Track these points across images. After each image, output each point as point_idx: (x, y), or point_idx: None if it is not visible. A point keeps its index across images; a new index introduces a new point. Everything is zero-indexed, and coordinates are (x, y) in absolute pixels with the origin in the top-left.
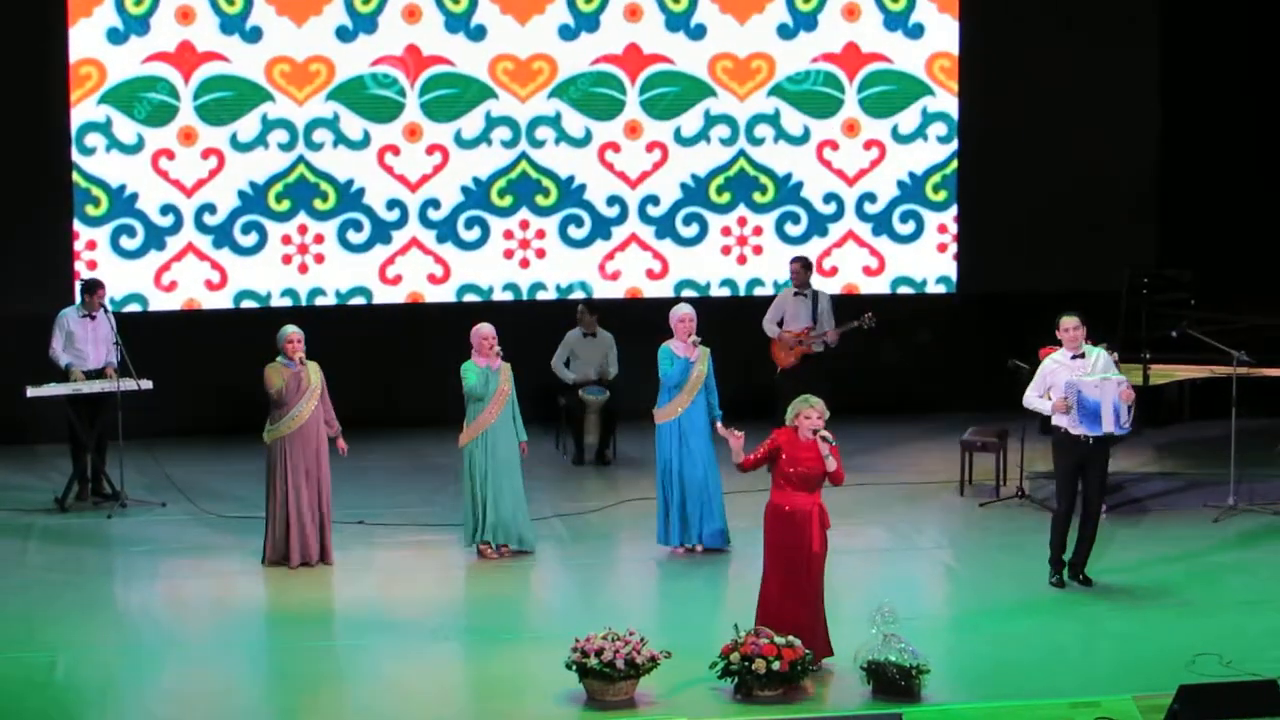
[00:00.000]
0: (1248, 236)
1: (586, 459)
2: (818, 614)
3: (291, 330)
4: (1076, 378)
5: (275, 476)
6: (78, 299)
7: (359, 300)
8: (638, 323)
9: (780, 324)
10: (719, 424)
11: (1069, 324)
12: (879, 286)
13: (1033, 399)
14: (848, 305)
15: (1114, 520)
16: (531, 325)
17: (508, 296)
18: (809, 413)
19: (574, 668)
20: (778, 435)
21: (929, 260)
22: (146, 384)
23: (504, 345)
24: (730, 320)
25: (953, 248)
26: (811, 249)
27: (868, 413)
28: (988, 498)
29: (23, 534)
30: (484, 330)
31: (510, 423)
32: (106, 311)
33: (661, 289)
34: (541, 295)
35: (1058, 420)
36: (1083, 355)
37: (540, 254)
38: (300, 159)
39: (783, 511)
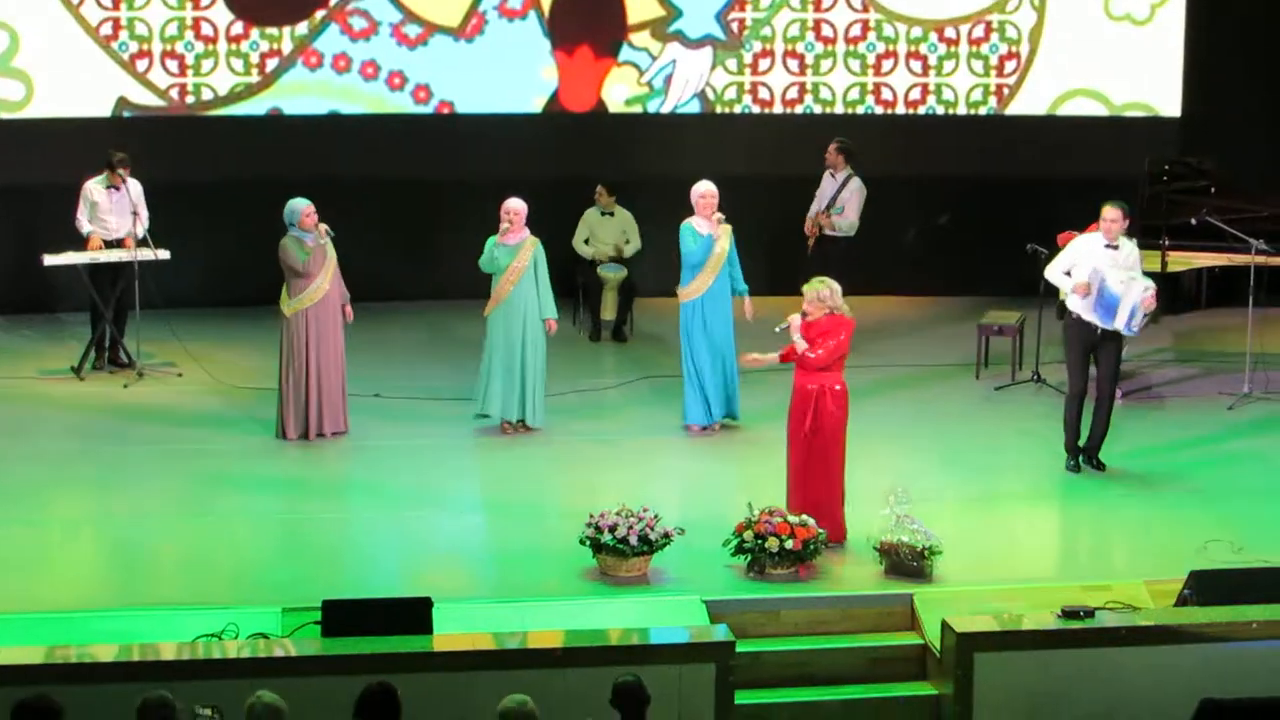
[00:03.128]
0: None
1: (604, 336)
2: (833, 495)
3: (303, 203)
4: (1104, 267)
5: (297, 349)
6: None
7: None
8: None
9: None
10: (747, 300)
11: (1111, 215)
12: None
13: (1055, 273)
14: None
15: (1129, 407)
16: (553, 201)
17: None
18: (809, 295)
19: (588, 543)
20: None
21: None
22: (164, 254)
23: (529, 222)
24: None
25: None
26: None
27: (884, 295)
28: (1003, 382)
29: (38, 402)
30: (509, 204)
31: (532, 296)
32: (125, 182)
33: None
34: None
35: (1072, 303)
36: (1116, 247)
37: None
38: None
39: (795, 391)
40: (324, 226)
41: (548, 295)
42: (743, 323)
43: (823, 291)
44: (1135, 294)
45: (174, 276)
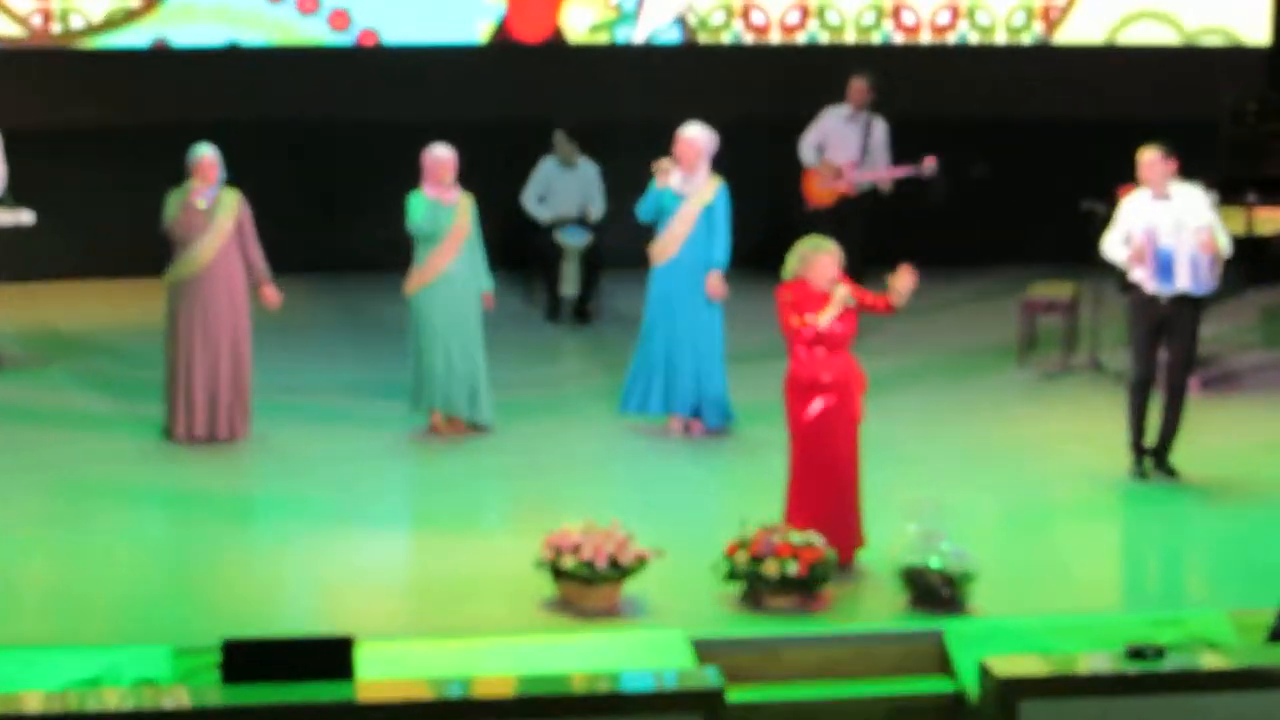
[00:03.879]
0: None
1: (563, 315)
2: (847, 503)
3: (204, 150)
4: (1158, 225)
5: (180, 329)
6: None
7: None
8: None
9: (821, 151)
10: (716, 275)
11: (1150, 158)
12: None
13: (1112, 244)
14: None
15: (1206, 399)
16: (500, 150)
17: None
18: (823, 258)
19: (546, 567)
20: (788, 290)
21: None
22: (26, 216)
23: (466, 173)
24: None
25: None
26: None
27: (912, 266)
28: (1054, 369)
29: None
30: (438, 154)
31: (470, 268)
32: None
33: None
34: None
35: (1135, 275)
36: (1168, 198)
37: None
38: None
39: (802, 382)
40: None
41: (484, 263)
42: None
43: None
44: (1187, 243)
45: (38, 242)
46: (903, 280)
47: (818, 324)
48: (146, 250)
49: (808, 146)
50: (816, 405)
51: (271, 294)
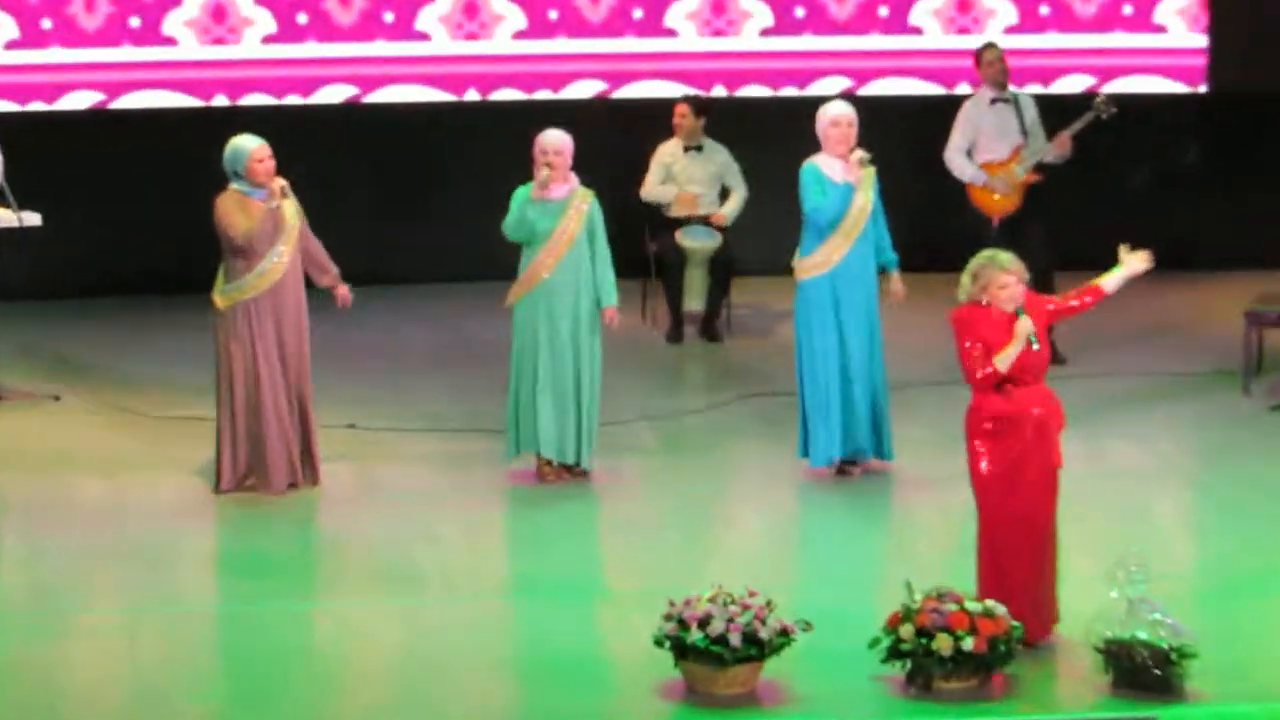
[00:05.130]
0: None
1: (687, 334)
2: (1045, 569)
3: (252, 143)
4: None
5: (237, 358)
6: None
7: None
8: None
9: (970, 153)
10: (895, 277)
11: None
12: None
13: None
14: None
15: None
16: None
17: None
18: (1003, 278)
19: (668, 644)
20: (965, 319)
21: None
22: (32, 219)
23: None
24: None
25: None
26: None
27: (1089, 270)
28: None
29: None
30: (539, 139)
31: (585, 278)
32: None
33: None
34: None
35: None
36: None
37: None
38: None
39: (991, 420)
40: (280, 181)
41: (607, 273)
42: (889, 310)
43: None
44: None
45: (46, 251)
46: (1137, 259)
47: (999, 368)
48: (171, 261)
49: (956, 153)
50: (1003, 452)
51: (346, 293)
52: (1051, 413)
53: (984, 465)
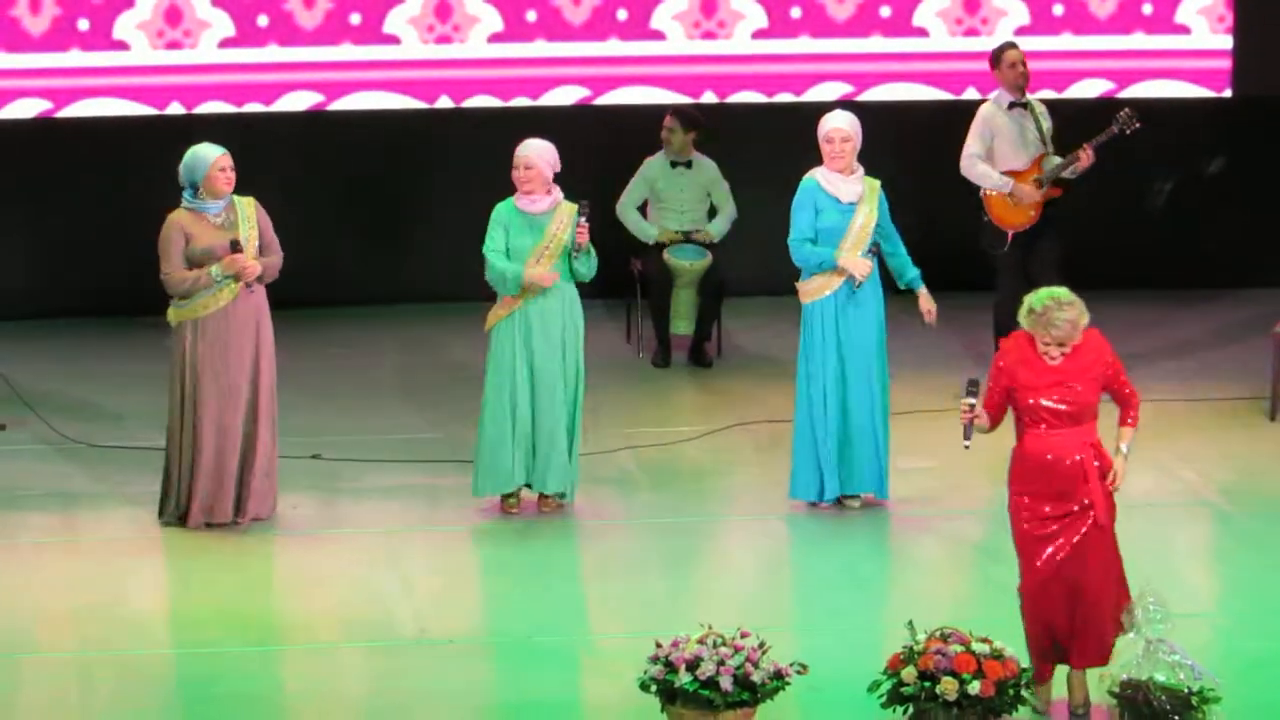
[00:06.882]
0: None
1: (676, 358)
2: (1101, 613)
3: (213, 154)
4: None
5: (186, 383)
6: None
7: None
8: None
9: (985, 159)
10: (922, 293)
11: None
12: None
13: None
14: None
15: None
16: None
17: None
18: (1063, 317)
19: (654, 689)
20: (1007, 352)
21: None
22: None
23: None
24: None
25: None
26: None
27: (1124, 290)
28: None
29: None
30: (527, 153)
31: (571, 294)
32: None
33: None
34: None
35: None
36: None
37: None
38: None
39: (1036, 461)
40: (256, 272)
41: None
42: (914, 333)
43: (1073, 308)
44: None
45: None
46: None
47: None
48: (119, 280)
49: (974, 159)
50: (1043, 509)
51: (250, 265)
52: (1094, 455)
53: (1018, 509)
